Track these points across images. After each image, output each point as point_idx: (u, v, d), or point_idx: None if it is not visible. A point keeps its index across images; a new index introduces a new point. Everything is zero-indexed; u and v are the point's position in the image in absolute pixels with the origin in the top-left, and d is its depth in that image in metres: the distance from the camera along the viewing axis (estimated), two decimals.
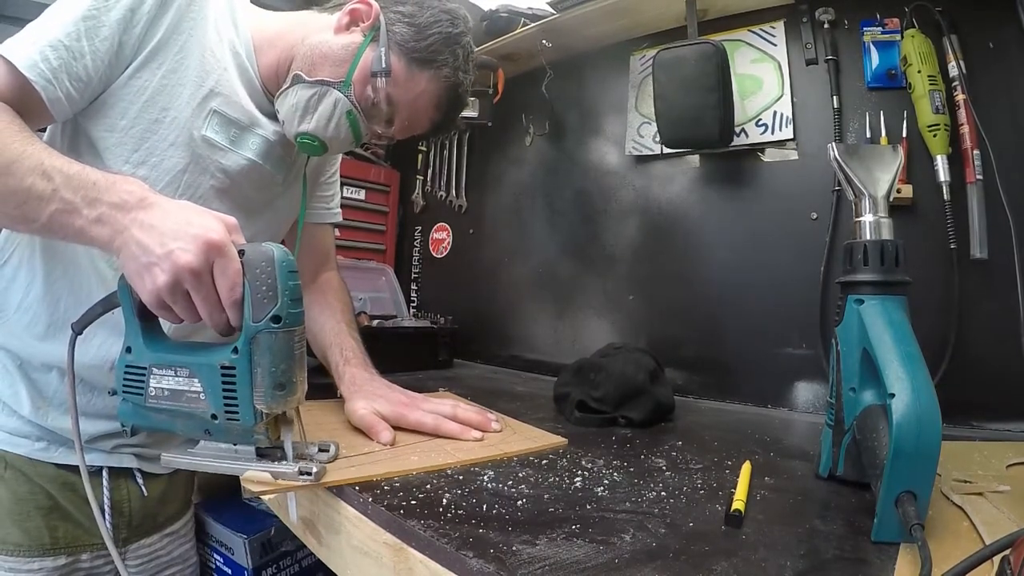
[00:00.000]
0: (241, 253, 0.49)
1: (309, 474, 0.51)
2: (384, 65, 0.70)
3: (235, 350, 0.49)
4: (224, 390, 0.50)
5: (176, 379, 0.52)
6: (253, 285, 0.48)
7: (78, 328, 0.56)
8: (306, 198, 0.83)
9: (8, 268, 0.69)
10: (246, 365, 0.49)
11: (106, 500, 0.72)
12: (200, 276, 0.47)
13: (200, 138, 0.67)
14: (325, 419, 0.75)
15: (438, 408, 0.73)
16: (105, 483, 0.72)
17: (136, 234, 0.48)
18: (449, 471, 0.58)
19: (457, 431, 0.69)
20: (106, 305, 0.55)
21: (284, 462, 0.53)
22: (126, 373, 0.54)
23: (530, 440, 0.70)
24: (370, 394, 0.73)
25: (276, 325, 0.48)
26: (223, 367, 0.50)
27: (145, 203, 0.50)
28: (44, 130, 0.65)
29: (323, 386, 0.87)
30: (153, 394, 0.53)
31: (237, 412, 0.50)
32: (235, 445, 0.53)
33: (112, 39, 0.59)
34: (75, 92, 0.58)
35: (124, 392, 0.55)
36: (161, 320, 0.54)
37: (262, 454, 0.53)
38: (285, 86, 0.71)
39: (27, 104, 0.55)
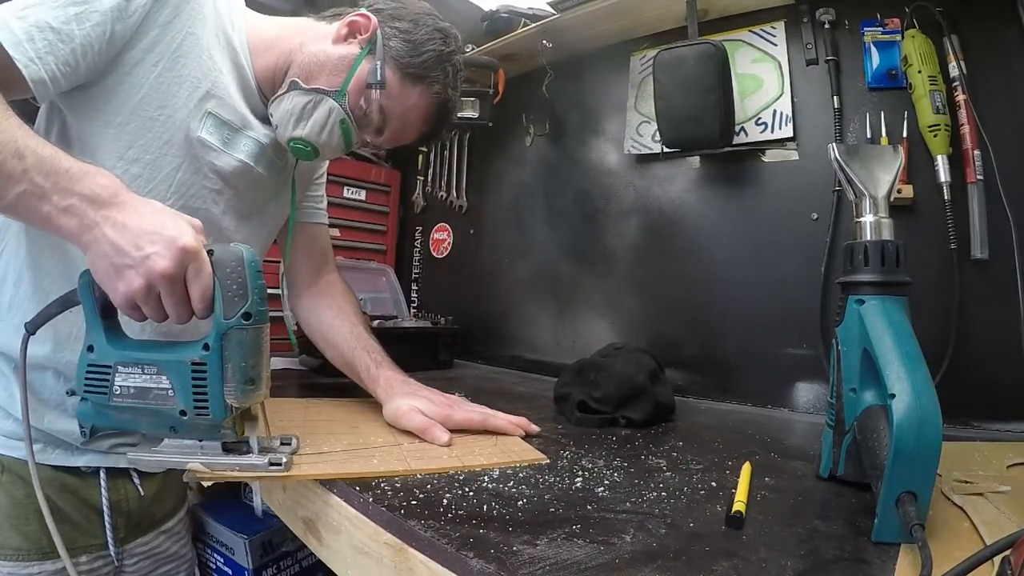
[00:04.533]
0: (210, 253, 0.50)
1: (279, 464, 0.53)
2: (379, 78, 0.72)
3: (206, 346, 0.51)
4: (194, 386, 0.51)
5: (143, 376, 0.52)
6: (224, 284, 0.50)
7: (31, 328, 0.55)
8: (295, 200, 0.85)
9: None
10: (217, 361, 0.50)
11: (104, 501, 0.72)
12: (174, 282, 0.48)
13: (196, 139, 0.67)
14: (288, 416, 0.76)
15: (483, 410, 0.76)
16: (103, 483, 0.72)
17: (108, 233, 0.48)
18: (451, 472, 0.58)
19: (506, 426, 0.73)
20: (63, 304, 0.55)
21: (251, 455, 0.54)
22: (88, 372, 0.54)
23: (504, 453, 0.66)
24: (410, 394, 0.75)
25: (247, 322, 0.50)
26: (194, 363, 0.51)
27: (117, 200, 0.49)
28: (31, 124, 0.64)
29: (340, 387, 0.89)
30: (118, 392, 0.53)
31: (207, 407, 0.51)
32: (201, 441, 0.54)
33: (104, 26, 0.59)
34: (60, 75, 0.57)
35: (86, 392, 0.54)
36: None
37: (228, 448, 0.55)
38: (281, 91, 0.72)
39: (5, 78, 0.54)
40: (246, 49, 0.73)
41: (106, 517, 0.72)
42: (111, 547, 0.73)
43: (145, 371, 0.52)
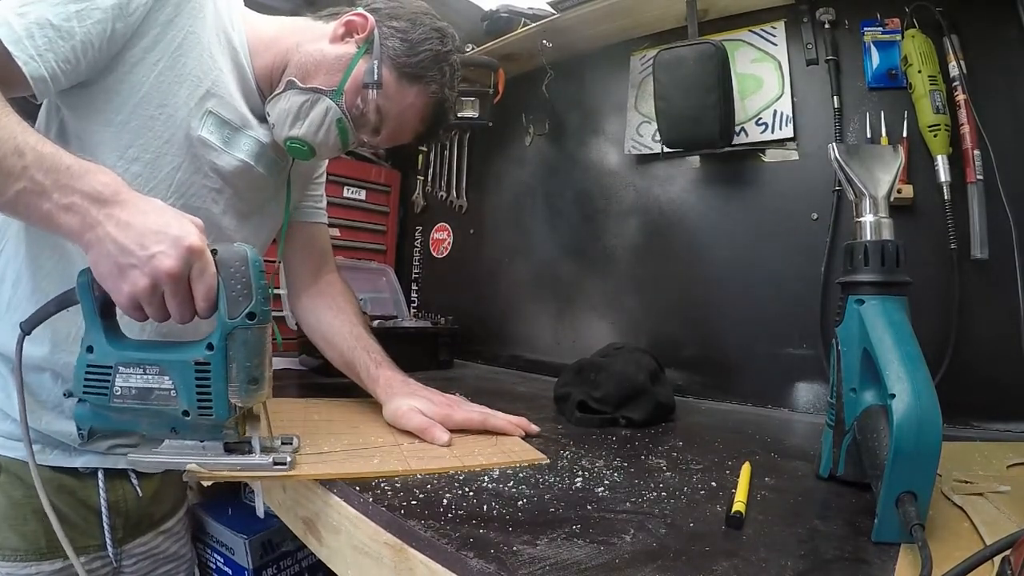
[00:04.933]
0: (214, 252, 0.50)
1: (284, 464, 0.53)
2: (376, 77, 0.72)
3: (210, 346, 0.50)
4: (198, 386, 0.51)
5: (145, 377, 0.52)
6: (228, 284, 0.50)
7: (27, 328, 0.54)
8: (292, 199, 0.85)
9: None
10: (221, 360, 0.50)
11: (103, 501, 0.72)
12: (179, 281, 0.48)
13: (196, 138, 0.67)
14: (288, 416, 0.76)
15: (483, 410, 0.76)
16: (101, 484, 0.72)
17: (112, 231, 0.48)
18: (451, 472, 0.58)
19: (505, 426, 0.73)
20: (60, 303, 0.54)
21: (253, 455, 0.54)
22: (88, 373, 0.53)
23: (503, 453, 0.66)
24: (410, 394, 0.75)
25: (251, 322, 0.50)
26: (198, 363, 0.51)
27: (119, 198, 0.49)
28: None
29: (340, 387, 0.89)
30: (119, 393, 0.52)
31: (211, 407, 0.51)
32: (203, 442, 0.54)
33: (104, 24, 0.58)
34: (60, 73, 0.56)
35: (85, 393, 0.53)
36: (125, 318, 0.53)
37: (230, 449, 0.55)
38: (278, 91, 0.72)
39: (5, 75, 0.53)
40: (246, 48, 0.73)
41: (104, 518, 0.72)
42: (109, 548, 0.73)
43: (147, 371, 0.52)
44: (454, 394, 0.80)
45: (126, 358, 0.52)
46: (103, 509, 0.72)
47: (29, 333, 0.54)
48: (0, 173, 0.47)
